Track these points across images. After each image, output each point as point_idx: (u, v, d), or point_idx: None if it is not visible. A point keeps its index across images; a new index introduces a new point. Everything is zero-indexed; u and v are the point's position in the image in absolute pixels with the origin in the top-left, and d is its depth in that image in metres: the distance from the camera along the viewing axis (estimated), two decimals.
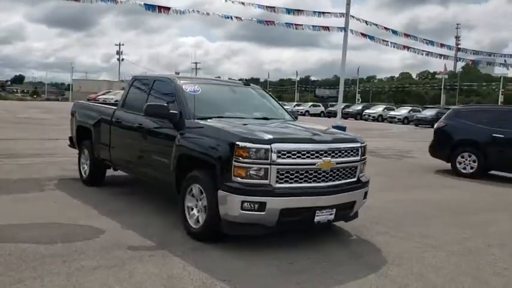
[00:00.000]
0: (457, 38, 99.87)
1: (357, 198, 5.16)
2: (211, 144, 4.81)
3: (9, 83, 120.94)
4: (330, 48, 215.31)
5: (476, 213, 7.32)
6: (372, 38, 20.02)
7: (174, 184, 5.33)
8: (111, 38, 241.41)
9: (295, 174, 4.63)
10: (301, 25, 18.73)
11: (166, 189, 6.66)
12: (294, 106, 49.40)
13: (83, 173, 7.70)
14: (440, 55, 21.53)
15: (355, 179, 5.16)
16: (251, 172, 4.49)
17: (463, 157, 10.93)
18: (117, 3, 16.33)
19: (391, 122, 41.86)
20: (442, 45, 20.82)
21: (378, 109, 46.63)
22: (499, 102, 56.30)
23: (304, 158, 4.65)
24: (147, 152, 5.92)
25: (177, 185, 5.32)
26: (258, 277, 4.11)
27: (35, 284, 3.70)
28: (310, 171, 4.70)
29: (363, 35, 19.62)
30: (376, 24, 20.20)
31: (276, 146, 4.51)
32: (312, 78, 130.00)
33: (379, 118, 44.00)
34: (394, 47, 20.47)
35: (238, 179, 4.49)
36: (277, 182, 4.54)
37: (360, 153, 5.19)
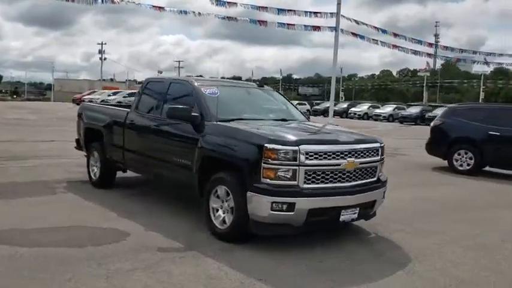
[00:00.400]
0: (436, 36, 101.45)
1: (377, 197, 5.30)
2: (238, 146, 4.89)
3: None
4: (311, 46, 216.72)
5: (480, 210, 7.54)
6: (362, 37, 20.33)
7: (197, 186, 5.39)
8: (91, 37, 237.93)
9: (322, 175, 4.74)
10: (294, 25, 18.90)
11: (183, 190, 6.76)
12: None
13: (92, 175, 7.69)
14: (428, 54, 21.92)
15: (375, 179, 5.30)
16: (280, 173, 4.59)
17: (459, 154, 11.19)
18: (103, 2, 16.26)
19: (376, 120, 42.36)
20: (430, 45, 21.21)
21: (363, 107, 47.13)
22: (480, 100, 57.45)
23: (330, 159, 4.76)
24: (166, 154, 5.95)
25: (199, 186, 5.37)
26: (292, 276, 4.21)
27: (79, 286, 3.75)
28: (335, 172, 4.82)
29: (354, 34, 19.89)
30: (366, 24, 20.52)
31: (303, 147, 4.62)
32: (295, 76, 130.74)
33: (365, 116, 44.47)
34: (383, 45, 20.75)
35: (268, 180, 4.59)
36: (304, 182, 4.64)
37: (379, 153, 5.33)
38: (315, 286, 4.02)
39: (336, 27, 19.00)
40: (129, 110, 7.03)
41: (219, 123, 5.37)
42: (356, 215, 5.03)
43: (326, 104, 42.39)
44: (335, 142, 4.94)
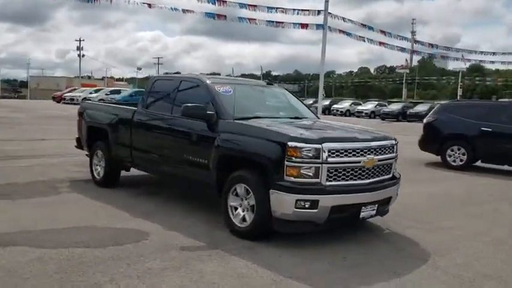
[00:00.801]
0: (413, 33, 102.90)
1: (392, 193, 5.39)
2: (259, 145, 4.90)
3: None
4: (289, 43, 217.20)
5: (483, 204, 7.73)
6: (349, 34, 20.50)
7: (214, 185, 5.39)
8: (66, 33, 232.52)
9: (343, 172, 4.79)
10: (282, 22, 18.94)
11: (191, 189, 6.74)
12: None
13: (95, 175, 7.60)
14: (413, 51, 22.24)
15: (390, 175, 5.38)
16: (303, 171, 4.62)
17: (452, 150, 11.42)
18: None
19: (358, 117, 42.77)
20: (415, 42, 21.52)
21: (345, 104, 47.55)
22: (458, 96, 58.47)
23: (350, 157, 4.82)
24: (180, 153, 5.91)
25: (217, 185, 5.37)
26: (321, 273, 4.25)
27: None
28: (355, 169, 4.87)
29: (341, 31, 20.05)
30: (353, 21, 20.70)
31: (326, 145, 4.66)
32: (274, 73, 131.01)
33: (347, 113, 44.86)
34: (370, 43, 20.97)
35: (291, 178, 4.62)
36: (327, 180, 4.69)
37: (394, 150, 5.41)
38: (347, 282, 4.06)
39: (323, 25, 19.12)
40: (135, 108, 6.95)
41: (237, 121, 5.37)
42: (374, 212, 5.11)
43: (309, 101, 42.59)
44: (355, 140, 5.00)
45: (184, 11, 17.11)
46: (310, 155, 4.61)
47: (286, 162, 4.62)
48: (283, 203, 4.64)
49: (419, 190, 8.53)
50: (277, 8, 18.12)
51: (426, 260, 4.71)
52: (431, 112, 12.66)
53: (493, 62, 37.08)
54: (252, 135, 5.03)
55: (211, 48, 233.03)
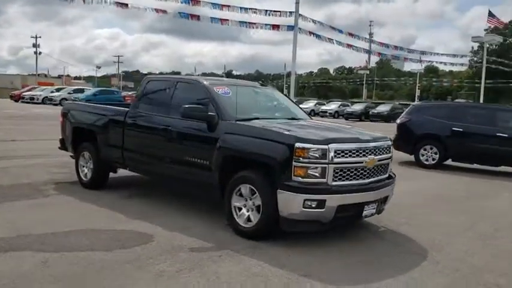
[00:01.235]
0: (371, 34, 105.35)
1: (390, 192, 5.58)
2: (266, 146, 4.97)
3: None
4: (250, 43, 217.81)
5: (463, 201, 8.10)
6: (318, 36, 20.83)
7: (217, 185, 5.42)
8: (19, 29, 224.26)
9: (347, 172, 4.93)
10: (255, 23, 19.05)
11: (182, 189, 6.71)
12: None
13: (82, 176, 7.46)
14: (379, 53, 22.83)
15: (387, 175, 5.57)
16: (310, 171, 4.73)
17: (425, 150, 11.86)
18: None
19: (323, 117, 43.34)
20: (381, 44, 22.11)
21: (310, 104, 48.14)
22: (416, 96, 60.39)
23: (354, 157, 4.97)
24: (178, 154, 5.90)
25: (219, 186, 5.40)
26: (332, 270, 4.37)
27: None
28: (358, 169, 5.02)
29: (311, 33, 20.35)
30: (322, 23, 21.05)
31: (332, 146, 4.79)
32: (235, 72, 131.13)
33: (312, 113, 45.34)
34: (339, 45, 21.38)
35: (299, 178, 4.72)
36: (333, 180, 4.81)
37: (391, 151, 5.61)
38: (358, 279, 4.19)
39: (294, 26, 19.36)
40: (126, 109, 6.88)
41: (239, 122, 5.43)
42: (375, 210, 5.28)
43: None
44: (358, 140, 5.15)
45: (158, 11, 16.91)
46: (317, 155, 4.72)
47: (293, 163, 4.71)
48: (291, 203, 4.73)
49: (401, 189, 8.70)
50: (250, 8, 18.32)
51: (425, 256, 4.92)
52: (404, 113, 13.08)
53: (451, 64, 38.41)
54: (258, 136, 5.10)
55: (171, 46, 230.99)
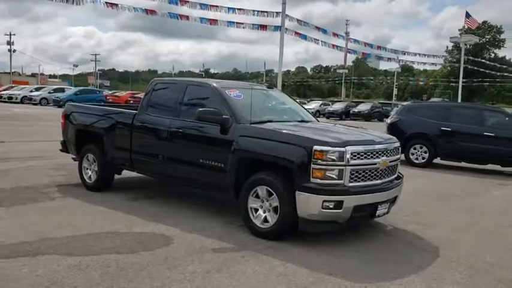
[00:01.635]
0: (347, 34, 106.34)
1: (399, 192, 5.76)
2: (285, 149, 5.08)
3: None
4: (227, 41, 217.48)
5: (459, 199, 8.39)
6: (304, 37, 21.03)
7: (232, 187, 5.51)
8: None
9: (362, 174, 5.09)
10: (243, 23, 19.12)
11: (189, 191, 6.77)
12: None
13: (86, 179, 7.44)
14: (363, 53, 23.18)
15: (396, 175, 5.75)
16: (328, 173, 4.87)
17: (415, 149, 12.18)
18: None
19: None
20: (365, 44, 22.45)
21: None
22: (394, 95, 61.34)
23: (368, 159, 5.13)
24: (191, 156, 5.96)
25: (235, 188, 5.50)
26: (355, 269, 4.51)
27: None
28: (372, 170, 5.19)
29: (297, 33, 20.54)
30: (308, 23, 21.25)
31: (349, 148, 4.94)
32: (212, 71, 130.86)
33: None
34: (323, 45, 21.63)
35: (317, 180, 4.85)
36: (349, 181, 4.97)
37: (399, 152, 5.79)
38: (381, 277, 4.34)
39: (280, 27, 19.51)
40: (134, 111, 6.90)
41: (254, 125, 5.53)
42: (386, 210, 5.46)
43: None
44: (372, 142, 5.31)
45: (147, 11, 16.81)
46: (334, 157, 4.87)
47: (312, 165, 4.84)
48: (310, 204, 4.86)
49: None
50: (238, 8, 18.40)
51: (438, 253, 5.12)
52: (394, 113, 13.38)
53: (424, 63, 39.02)
54: (276, 139, 5.21)
55: (147, 44, 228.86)
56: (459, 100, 33.60)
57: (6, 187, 7.38)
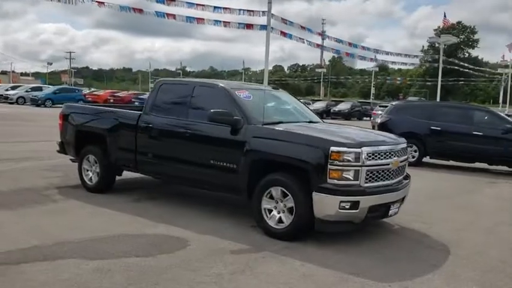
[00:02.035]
0: (323, 33, 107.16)
1: (407, 192, 5.88)
2: (301, 150, 5.13)
3: None
4: (203, 39, 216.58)
5: (456, 197, 8.63)
6: (290, 36, 21.13)
7: (245, 188, 5.53)
8: None
9: (376, 174, 5.18)
10: (229, 22, 19.10)
11: (192, 191, 6.77)
12: None
13: (87, 180, 7.34)
14: (347, 53, 23.44)
15: (404, 175, 5.86)
16: (344, 174, 4.94)
17: None
18: None
19: None
20: (350, 44, 22.70)
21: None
22: (371, 94, 62.17)
23: (382, 159, 5.22)
24: (201, 157, 5.95)
25: (248, 189, 5.52)
26: (375, 268, 4.59)
27: None
28: (385, 171, 5.28)
29: (283, 33, 20.63)
30: (292, 22, 21.35)
31: (365, 149, 5.02)
32: (188, 69, 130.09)
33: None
34: (309, 44, 21.78)
35: (334, 181, 4.92)
36: (365, 182, 5.05)
37: (407, 152, 5.91)
38: (400, 275, 4.43)
39: (266, 26, 19.57)
40: (138, 112, 6.85)
41: (267, 126, 5.56)
42: (397, 209, 5.57)
43: None
44: (385, 143, 5.41)
45: (135, 10, 16.61)
46: (351, 158, 4.94)
47: (329, 166, 4.90)
48: (327, 205, 4.92)
49: None
50: (224, 8, 18.36)
51: (448, 251, 5.25)
52: (384, 112, 13.58)
53: (400, 63, 39.55)
54: (292, 140, 5.25)
55: (122, 42, 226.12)
56: (437, 99, 34.27)
57: (4, 189, 7.24)
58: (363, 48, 25.70)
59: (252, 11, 19.01)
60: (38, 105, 34.04)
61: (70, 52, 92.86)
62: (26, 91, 35.36)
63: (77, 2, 14.06)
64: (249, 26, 19.57)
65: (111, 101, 33.34)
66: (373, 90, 63.17)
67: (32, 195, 6.97)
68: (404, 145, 5.77)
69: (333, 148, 4.92)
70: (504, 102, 51.42)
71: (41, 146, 12.42)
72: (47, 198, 6.83)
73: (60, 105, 31.94)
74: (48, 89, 36.87)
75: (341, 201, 4.89)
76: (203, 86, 6.43)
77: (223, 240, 5.18)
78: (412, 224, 6.29)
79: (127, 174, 7.59)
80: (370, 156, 5.07)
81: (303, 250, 4.97)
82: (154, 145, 6.52)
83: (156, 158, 6.48)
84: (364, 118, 38.94)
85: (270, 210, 5.35)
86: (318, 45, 22.56)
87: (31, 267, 4.18)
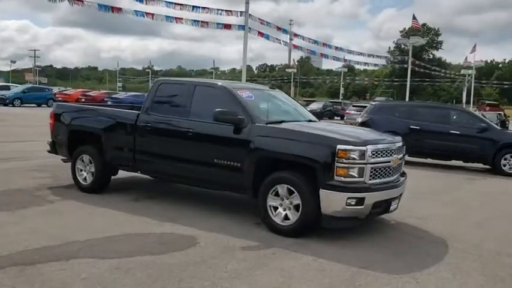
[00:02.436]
0: (291, 34, 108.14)
1: (404, 189, 6.09)
2: (308, 148, 5.25)
3: None
4: (170, 38, 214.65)
5: (441, 194, 8.94)
6: (267, 37, 21.28)
7: (250, 186, 5.62)
8: None
9: (379, 171, 5.36)
10: (207, 22, 19.09)
11: (191, 190, 6.80)
12: None
13: (81, 180, 7.25)
14: (322, 54, 23.77)
15: (401, 172, 6.08)
16: (350, 172, 5.10)
17: None
18: None
19: None
20: (324, 45, 23.04)
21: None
22: (340, 94, 63.10)
23: (384, 157, 5.41)
24: (204, 157, 5.99)
25: (253, 187, 5.61)
26: (381, 263, 4.74)
27: None
28: (386, 168, 5.47)
29: (260, 33, 20.76)
30: (269, 23, 21.51)
31: (369, 147, 5.19)
32: (156, 68, 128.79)
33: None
34: (285, 45, 21.98)
35: (341, 178, 5.07)
36: (369, 179, 5.21)
37: (404, 150, 6.12)
38: (408, 268, 4.60)
39: (244, 26, 19.67)
40: (136, 111, 6.83)
41: (272, 125, 5.66)
42: (397, 205, 5.76)
43: None
44: (386, 142, 5.60)
45: (112, 9, 16.36)
46: (356, 156, 5.10)
47: (336, 164, 5.05)
48: (334, 201, 5.07)
49: None
50: (202, 7, 18.33)
51: (447, 245, 5.48)
52: (364, 112, 13.89)
53: (365, 63, 40.09)
54: (298, 139, 5.37)
55: (87, 40, 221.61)
56: (406, 99, 35.18)
57: None
58: (336, 48, 26.18)
59: (231, 11, 19.11)
60: (5, 105, 33.03)
61: (34, 50, 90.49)
62: None
63: None
64: (227, 26, 19.63)
65: (83, 100, 32.68)
66: (342, 90, 64.06)
67: (24, 196, 6.85)
68: (401, 143, 5.97)
69: (339, 146, 5.07)
70: (468, 102, 53.20)
71: (21, 147, 12.21)
72: (42, 199, 6.72)
73: (29, 105, 31.23)
74: (17, 88, 35.84)
75: (348, 198, 5.04)
76: (204, 86, 6.47)
77: (230, 237, 5.24)
78: (407, 220, 6.51)
79: (120, 174, 7.55)
80: (374, 154, 5.24)
81: (310, 246, 5.08)
82: (154, 144, 6.52)
83: (156, 157, 6.49)
84: (336, 118, 39.49)
85: (276, 208, 5.45)
86: (294, 46, 22.84)
87: (47, 267, 4.15)
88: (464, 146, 12.09)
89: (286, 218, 5.39)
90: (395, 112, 12.95)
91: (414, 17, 34.39)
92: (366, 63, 40.07)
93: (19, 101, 33.16)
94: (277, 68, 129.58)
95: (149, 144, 6.54)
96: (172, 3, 17.46)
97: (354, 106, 31.40)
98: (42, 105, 35.32)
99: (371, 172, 5.23)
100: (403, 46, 66.14)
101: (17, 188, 7.30)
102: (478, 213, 7.34)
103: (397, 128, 12.52)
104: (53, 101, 36.09)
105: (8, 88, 35.98)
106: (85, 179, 7.23)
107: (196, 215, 6.17)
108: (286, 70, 79.41)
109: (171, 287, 3.88)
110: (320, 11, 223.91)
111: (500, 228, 6.52)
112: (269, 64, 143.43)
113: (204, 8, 18.43)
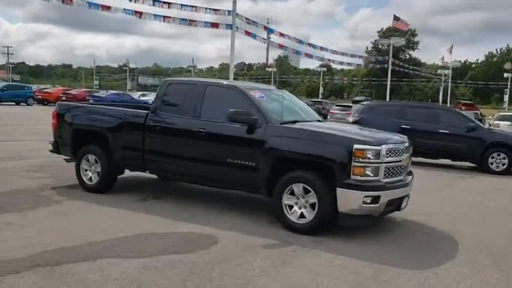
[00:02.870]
0: (268, 33, 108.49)
1: (412, 188, 6.25)
2: (325, 148, 5.36)
3: None
4: (146, 35, 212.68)
5: (438, 191, 9.18)
6: (254, 36, 21.36)
7: (265, 186, 5.69)
8: None
9: (392, 170, 5.51)
10: (195, 21, 19.06)
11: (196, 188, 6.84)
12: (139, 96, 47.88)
13: (86, 180, 7.20)
14: (307, 54, 23.98)
15: (408, 171, 6.24)
16: (366, 171, 5.23)
17: None
18: None
19: None
20: (309, 45, 23.24)
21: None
22: (320, 94, 63.59)
23: (396, 156, 5.56)
24: (218, 157, 6.03)
25: (267, 186, 5.69)
26: (402, 258, 4.87)
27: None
28: (398, 167, 5.62)
29: (247, 33, 20.82)
30: (256, 22, 21.59)
31: (384, 147, 5.33)
32: (131, 65, 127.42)
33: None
34: (271, 44, 22.10)
35: (357, 177, 5.20)
36: (384, 177, 5.36)
37: (411, 150, 6.29)
38: (424, 264, 4.75)
39: (231, 25, 19.71)
40: (145, 111, 6.83)
41: (286, 125, 5.75)
42: (406, 203, 5.92)
43: None
44: (397, 141, 5.75)
45: (102, 7, 16.15)
46: (372, 156, 5.23)
47: (353, 163, 5.17)
48: (351, 200, 5.19)
49: None
50: (191, 6, 18.27)
51: (456, 242, 5.66)
52: (354, 111, 14.10)
53: (341, 62, 40.49)
54: (314, 139, 5.48)
55: (60, 37, 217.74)
56: (387, 98, 35.73)
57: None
58: (322, 49, 26.46)
59: (218, 9, 19.13)
60: None
61: (8, 47, 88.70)
62: None
63: None
64: (214, 25, 19.63)
65: (64, 98, 32.10)
66: (321, 90, 64.56)
67: (29, 197, 6.77)
68: (409, 143, 6.14)
69: (356, 146, 5.19)
70: (444, 102, 54.32)
71: (12, 146, 11.99)
72: (48, 200, 6.66)
73: (8, 103, 30.46)
74: None
75: (365, 196, 5.17)
76: (215, 86, 6.51)
77: (249, 236, 5.32)
78: (413, 217, 6.68)
79: (127, 174, 7.54)
80: (388, 154, 5.38)
81: (328, 243, 5.20)
82: (164, 144, 6.53)
83: (167, 157, 6.50)
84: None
85: (291, 206, 5.55)
86: (279, 46, 22.99)
87: (77, 268, 4.15)
88: (453, 145, 12.40)
89: (301, 216, 5.49)
90: (387, 112, 13.18)
91: (396, 18, 34.83)
92: (347, 63, 40.49)
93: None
94: (255, 67, 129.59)
95: (159, 144, 6.55)
96: (160, 1, 17.39)
97: (337, 106, 31.69)
98: (21, 104, 34.63)
99: (385, 171, 5.37)
100: (380, 46, 67.28)
101: (19, 189, 7.21)
102: (477, 211, 7.57)
103: (388, 127, 12.62)
104: (33, 100, 35.47)
105: None
106: (90, 178, 7.18)
107: (208, 213, 6.22)
108: (266, 69, 79.68)
109: (204, 285, 3.92)
110: (297, 9, 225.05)
111: (503, 225, 6.74)
112: (247, 63, 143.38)
113: (192, 6, 18.45)
